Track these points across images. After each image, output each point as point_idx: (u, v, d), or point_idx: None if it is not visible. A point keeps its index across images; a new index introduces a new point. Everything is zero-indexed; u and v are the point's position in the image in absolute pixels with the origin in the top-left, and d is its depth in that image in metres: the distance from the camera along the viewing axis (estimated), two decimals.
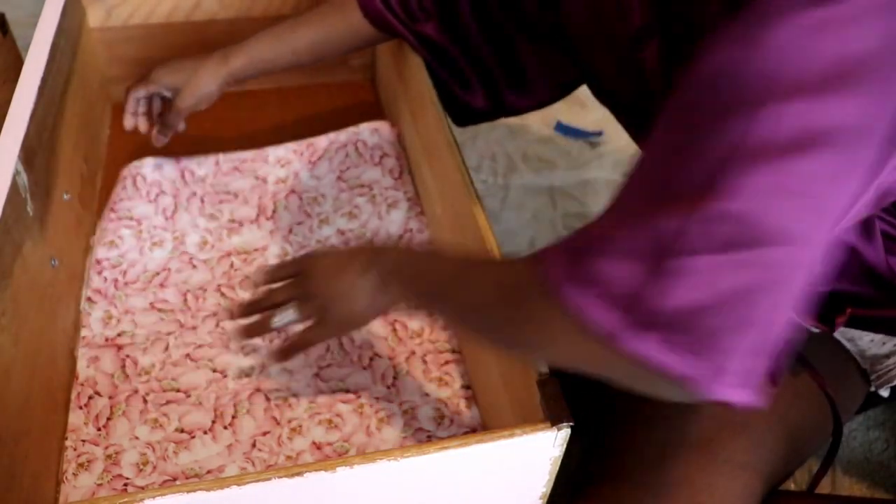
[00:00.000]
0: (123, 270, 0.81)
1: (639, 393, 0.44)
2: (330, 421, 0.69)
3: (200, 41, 1.05)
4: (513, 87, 0.77)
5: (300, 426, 0.68)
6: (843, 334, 0.68)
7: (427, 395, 0.72)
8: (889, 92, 0.38)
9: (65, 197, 0.77)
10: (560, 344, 0.44)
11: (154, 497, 0.44)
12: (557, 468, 0.53)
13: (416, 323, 0.78)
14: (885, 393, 0.70)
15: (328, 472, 0.46)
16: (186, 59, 0.84)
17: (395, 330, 0.77)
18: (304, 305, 0.62)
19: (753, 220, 0.38)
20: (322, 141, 0.95)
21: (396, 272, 0.57)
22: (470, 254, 0.57)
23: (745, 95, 0.39)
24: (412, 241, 0.85)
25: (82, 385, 0.71)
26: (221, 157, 0.95)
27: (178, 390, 0.71)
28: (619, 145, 1.28)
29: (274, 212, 0.88)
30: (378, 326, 0.77)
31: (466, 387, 0.72)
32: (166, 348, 0.74)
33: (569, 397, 0.50)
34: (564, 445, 0.51)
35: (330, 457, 0.66)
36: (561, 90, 0.77)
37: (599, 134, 1.29)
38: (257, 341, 0.75)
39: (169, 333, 0.76)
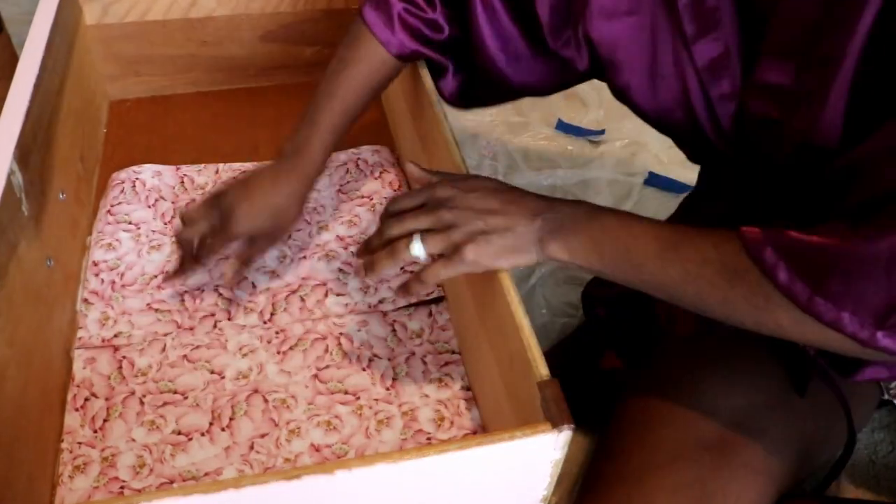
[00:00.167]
0: (121, 273, 0.80)
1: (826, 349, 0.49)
2: (329, 422, 0.68)
3: (198, 38, 1.04)
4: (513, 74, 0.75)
5: (299, 428, 0.68)
6: None
7: (427, 396, 0.71)
8: None
9: (60, 196, 0.77)
10: (786, 329, 0.49)
11: (151, 500, 0.44)
12: (559, 471, 0.52)
13: (415, 323, 0.77)
14: None
15: (326, 475, 0.45)
16: (254, 194, 0.70)
17: (394, 330, 0.77)
18: (438, 238, 0.55)
19: None
20: None
21: (567, 230, 0.54)
22: (649, 220, 0.55)
23: None
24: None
25: (78, 386, 0.70)
26: (221, 166, 0.95)
27: (175, 392, 0.70)
28: (621, 144, 1.27)
29: None
30: (377, 327, 0.77)
31: (467, 388, 0.72)
32: (163, 349, 0.74)
33: (571, 399, 0.49)
34: (566, 448, 0.50)
35: (329, 459, 0.66)
36: (564, 85, 0.75)
37: (601, 133, 1.29)
38: (255, 342, 0.75)
39: (166, 334, 0.75)
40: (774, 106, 0.52)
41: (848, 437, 0.67)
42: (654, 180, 1.21)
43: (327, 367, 0.73)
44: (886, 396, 0.71)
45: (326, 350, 0.74)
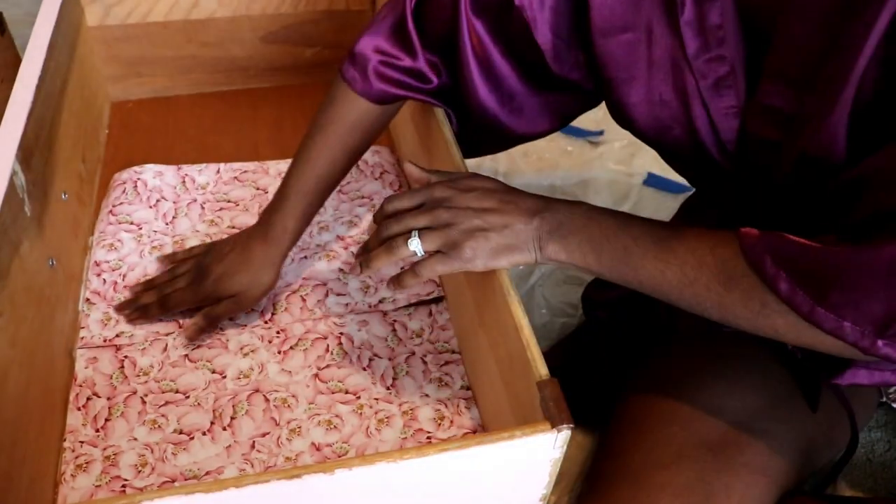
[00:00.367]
0: (123, 274, 0.81)
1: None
2: (329, 422, 0.69)
3: (199, 40, 1.05)
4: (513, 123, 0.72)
5: (299, 427, 0.68)
6: None
7: (427, 395, 0.71)
8: None
9: (63, 197, 0.77)
10: (782, 333, 0.49)
11: (152, 499, 0.44)
12: (558, 470, 0.52)
13: (416, 323, 0.78)
14: None
15: (327, 474, 0.46)
16: (227, 258, 0.73)
17: (394, 330, 0.77)
18: (435, 234, 0.55)
19: None
20: None
21: (565, 231, 0.54)
22: (647, 221, 0.55)
23: None
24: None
25: (80, 386, 0.71)
26: (223, 166, 0.95)
27: (176, 391, 0.71)
28: (620, 144, 1.27)
29: None
30: (378, 326, 0.77)
31: (466, 388, 0.72)
32: (165, 349, 0.74)
33: (570, 398, 0.50)
34: (565, 447, 0.50)
35: (329, 458, 0.66)
36: (562, 121, 0.73)
37: (600, 133, 1.29)
38: (256, 342, 0.75)
39: (167, 334, 0.75)
40: (775, 128, 0.52)
41: (850, 439, 0.67)
42: (653, 181, 1.21)
43: (328, 366, 0.73)
44: (885, 399, 0.71)
45: (327, 350, 0.75)
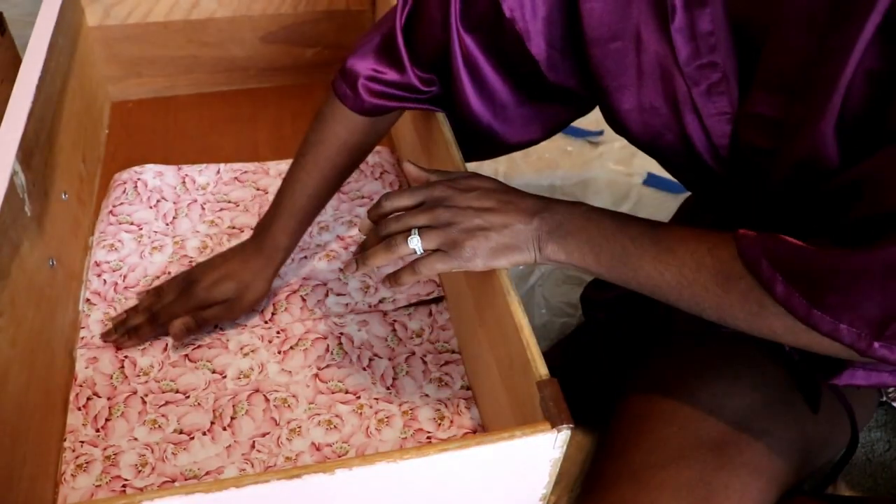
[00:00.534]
0: (123, 275, 0.81)
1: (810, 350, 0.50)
2: (329, 422, 0.69)
3: (199, 40, 1.05)
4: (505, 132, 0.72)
5: (299, 427, 0.68)
6: None
7: (427, 395, 0.71)
8: None
9: (63, 197, 0.77)
10: (779, 335, 0.50)
11: (153, 499, 0.44)
12: (558, 470, 0.52)
13: (416, 323, 0.78)
14: None
15: (327, 474, 0.46)
16: (222, 266, 0.74)
17: (394, 330, 0.77)
18: (435, 233, 0.55)
19: None
20: None
21: (564, 231, 0.55)
22: (646, 222, 0.55)
23: None
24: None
25: (81, 386, 0.71)
26: (223, 166, 0.95)
27: (176, 391, 0.71)
28: (620, 144, 1.27)
29: None
30: (378, 326, 0.77)
31: (466, 387, 0.72)
32: (165, 349, 0.74)
33: (570, 398, 0.50)
34: (565, 447, 0.50)
35: (329, 458, 0.66)
36: (554, 130, 0.73)
37: (600, 133, 1.29)
38: (256, 342, 0.75)
39: (168, 334, 0.75)
40: (766, 136, 0.52)
41: (851, 439, 0.67)
42: (652, 181, 1.21)
43: (328, 366, 0.73)
44: (884, 398, 0.71)
45: (327, 349, 0.75)
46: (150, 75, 1.06)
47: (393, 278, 0.58)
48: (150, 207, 0.88)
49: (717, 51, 0.52)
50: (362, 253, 0.58)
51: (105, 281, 0.80)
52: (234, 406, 0.69)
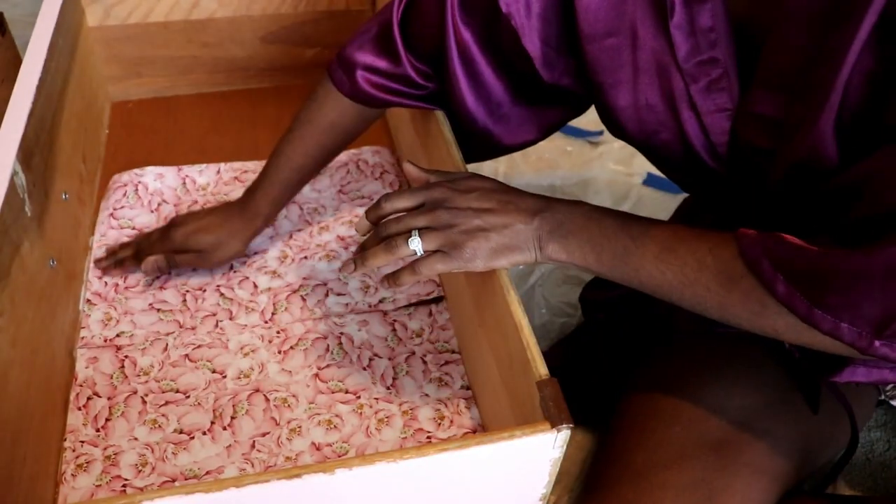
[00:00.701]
0: (124, 276, 0.81)
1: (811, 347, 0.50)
2: (329, 421, 0.69)
3: (199, 40, 1.05)
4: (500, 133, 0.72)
5: (299, 427, 0.68)
6: None
7: (427, 395, 0.71)
8: None
9: (63, 197, 0.77)
10: (782, 333, 0.50)
11: (153, 499, 0.44)
12: (557, 470, 0.52)
13: (416, 323, 0.78)
14: None
15: (327, 473, 0.46)
16: (205, 218, 0.79)
17: (394, 330, 0.77)
18: (436, 234, 0.55)
19: None
20: None
21: (565, 231, 0.55)
22: (647, 221, 0.55)
23: None
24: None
25: (81, 386, 0.71)
26: (223, 166, 0.95)
27: (176, 391, 0.71)
28: (620, 144, 1.27)
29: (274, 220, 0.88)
30: (378, 326, 0.77)
31: (466, 387, 0.72)
32: (165, 349, 0.74)
33: (570, 398, 0.50)
34: (564, 447, 0.51)
35: (329, 457, 0.66)
36: (549, 131, 0.73)
37: (599, 133, 1.29)
38: (256, 342, 0.75)
39: (168, 334, 0.75)
40: (765, 135, 0.52)
41: (851, 439, 0.67)
42: (652, 181, 1.21)
43: (328, 366, 0.73)
44: (883, 397, 0.71)
45: (327, 349, 0.75)
46: (150, 75, 1.07)
47: (392, 278, 0.58)
48: (152, 211, 0.89)
49: (717, 47, 0.52)
50: (361, 253, 0.58)
51: (106, 283, 0.80)
52: (234, 406, 0.69)
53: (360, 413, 0.70)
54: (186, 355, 0.74)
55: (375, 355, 0.75)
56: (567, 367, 0.70)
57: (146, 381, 0.71)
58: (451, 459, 0.48)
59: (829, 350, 0.49)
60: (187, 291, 0.80)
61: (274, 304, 0.79)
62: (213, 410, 0.69)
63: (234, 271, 0.82)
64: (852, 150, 0.48)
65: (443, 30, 0.64)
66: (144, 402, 0.70)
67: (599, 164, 1.24)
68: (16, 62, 0.93)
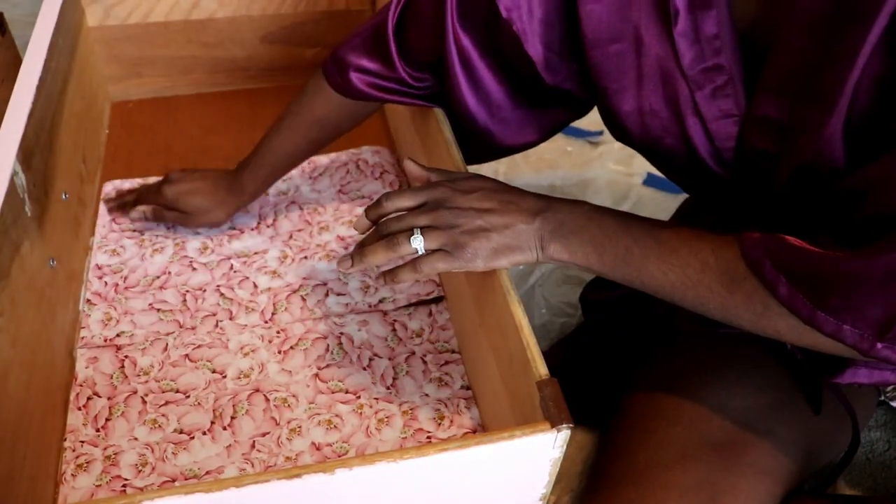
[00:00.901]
0: (124, 276, 0.81)
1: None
2: (329, 421, 0.69)
3: (199, 40, 1.05)
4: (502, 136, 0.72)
5: (299, 427, 0.68)
6: None
7: (427, 395, 0.71)
8: None
9: (63, 197, 0.77)
10: (783, 334, 0.50)
11: (153, 499, 0.44)
12: (557, 469, 0.52)
13: (416, 323, 0.78)
14: None
15: (327, 473, 0.46)
16: (198, 181, 0.83)
17: (394, 330, 0.77)
18: (438, 234, 0.55)
19: None
20: (323, 159, 0.97)
21: (567, 231, 0.55)
22: (649, 221, 0.55)
23: None
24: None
25: (81, 386, 0.71)
26: None
27: (176, 391, 0.71)
28: (620, 144, 1.27)
29: (274, 220, 0.89)
30: (378, 326, 0.77)
31: (466, 387, 0.72)
32: (165, 349, 0.74)
33: (570, 398, 0.50)
34: (564, 447, 0.50)
35: (329, 457, 0.66)
36: (550, 132, 0.73)
37: (599, 133, 1.29)
38: (256, 342, 0.75)
39: (168, 334, 0.75)
40: (771, 139, 0.52)
41: (852, 439, 0.67)
42: (652, 181, 1.21)
43: (328, 366, 0.73)
44: (883, 398, 0.71)
45: (327, 349, 0.75)
46: (150, 75, 1.07)
47: (391, 275, 0.57)
48: None
49: (722, 53, 0.52)
50: (360, 250, 0.58)
51: (106, 283, 0.80)
52: (234, 406, 0.69)
53: (360, 413, 0.70)
54: (186, 355, 0.74)
55: (375, 355, 0.75)
56: (567, 367, 0.70)
57: (146, 381, 0.71)
58: (451, 459, 0.48)
59: (830, 351, 0.49)
60: (187, 291, 0.80)
61: (274, 304, 0.79)
62: (213, 410, 0.69)
63: (235, 271, 0.82)
64: (859, 154, 0.47)
65: (442, 36, 0.64)
66: (144, 402, 0.70)
67: (599, 164, 1.25)
68: (16, 62, 0.93)
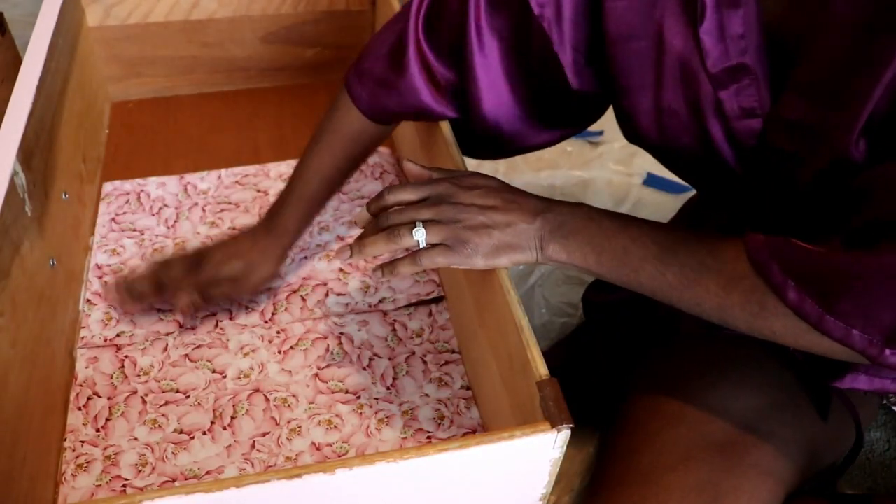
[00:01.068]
0: (124, 276, 0.81)
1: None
2: (329, 421, 0.69)
3: (199, 40, 1.05)
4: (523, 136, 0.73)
5: (299, 427, 0.68)
6: None
7: (427, 395, 0.71)
8: None
9: (63, 197, 0.77)
10: (779, 336, 0.49)
11: (153, 499, 0.44)
12: (557, 470, 0.52)
13: (416, 323, 0.78)
14: None
15: (327, 473, 0.46)
16: (231, 245, 0.74)
17: (394, 330, 0.77)
18: (440, 228, 0.55)
19: None
20: None
21: (566, 232, 0.55)
22: (647, 223, 0.55)
23: None
24: None
25: (81, 386, 0.71)
26: (224, 171, 0.95)
27: (176, 391, 0.71)
28: (620, 144, 1.27)
29: None
30: (378, 326, 0.77)
31: (466, 387, 0.72)
32: (165, 349, 0.74)
33: (570, 398, 0.50)
34: (565, 447, 0.51)
35: (329, 457, 0.66)
36: (563, 136, 0.73)
37: (599, 133, 1.29)
38: (257, 342, 0.75)
39: (168, 334, 0.75)
40: (795, 141, 0.52)
41: (855, 441, 0.67)
42: (652, 181, 1.21)
43: (328, 366, 0.73)
44: (885, 402, 0.71)
45: (327, 349, 0.75)
46: (150, 75, 1.06)
47: (390, 267, 0.57)
48: (153, 215, 0.89)
49: (747, 53, 0.52)
50: (359, 241, 0.58)
51: (106, 283, 0.80)
52: (234, 406, 0.69)
53: (360, 413, 0.70)
54: (186, 355, 0.74)
55: (375, 355, 0.75)
56: (567, 367, 0.70)
57: (146, 381, 0.71)
58: (451, 459, 0.48)
59: (826, 354, 0.49)
60: None
61: (274, 304, 0.79)
62: (213, 410, 0.69)
63: None
64: (876, 155, 0.47)
65: (464, 31, 0.64)
66: (144, 402, 0.70)
67: (599, 164, 1.25)
68: (16, 62, 0.93)
